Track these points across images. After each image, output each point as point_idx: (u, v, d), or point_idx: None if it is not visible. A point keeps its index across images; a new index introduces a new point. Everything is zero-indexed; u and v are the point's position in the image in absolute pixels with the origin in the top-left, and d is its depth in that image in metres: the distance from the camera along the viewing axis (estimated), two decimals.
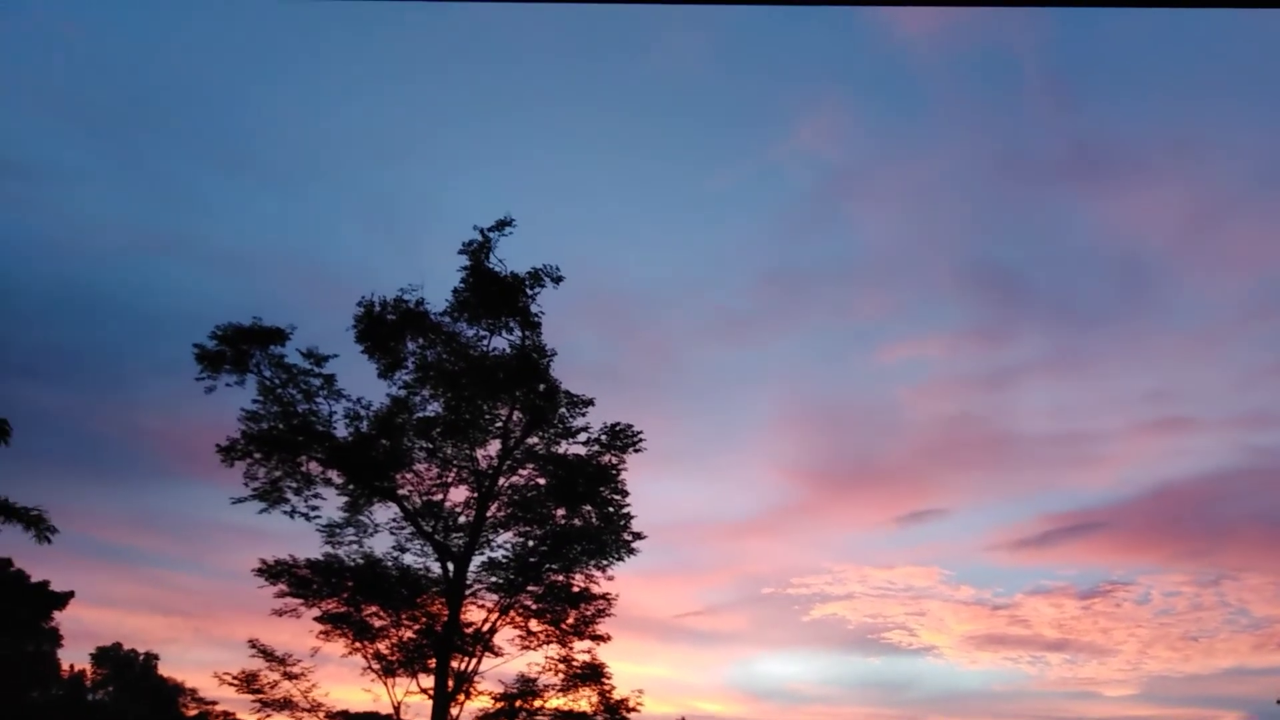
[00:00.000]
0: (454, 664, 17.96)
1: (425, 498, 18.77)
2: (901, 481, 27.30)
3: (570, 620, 19.03)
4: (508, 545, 19.10)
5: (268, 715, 17.75)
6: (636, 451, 19.17)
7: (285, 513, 17.99)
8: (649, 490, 20.79)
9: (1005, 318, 25.86)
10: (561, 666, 18.85)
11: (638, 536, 19.13)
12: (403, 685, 18.11)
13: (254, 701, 17.73)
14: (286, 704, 17.81)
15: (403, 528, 18.74)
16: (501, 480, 18.97)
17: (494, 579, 18.82)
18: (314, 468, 18.15)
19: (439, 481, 18.86)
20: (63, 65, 20.17)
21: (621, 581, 19.40)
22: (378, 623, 18.44)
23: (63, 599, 20.34)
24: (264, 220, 22.75)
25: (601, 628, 19.10)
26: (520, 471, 19.19)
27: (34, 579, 19.93)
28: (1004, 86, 23.47)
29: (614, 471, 19.05)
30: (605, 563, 19.07)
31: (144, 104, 20.87)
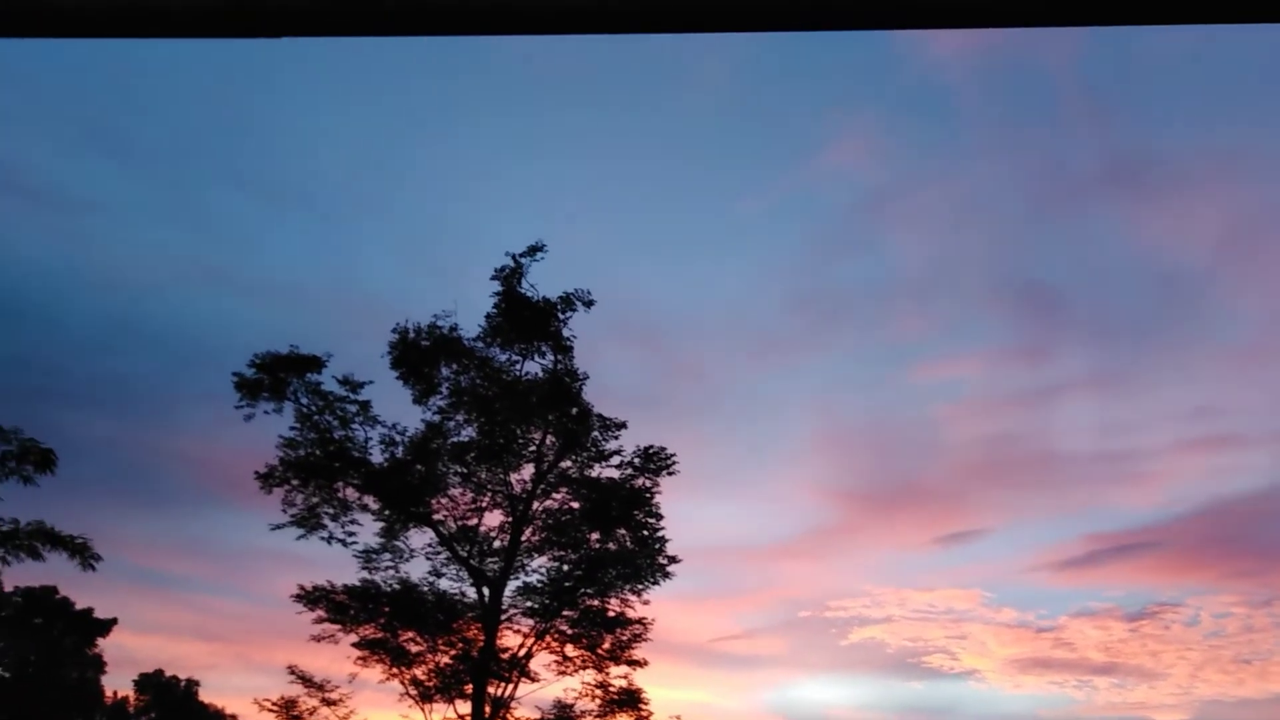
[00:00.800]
0: (491, 690, 17.89)
1: (460, 522, 18.81)
2: (941, 502, 26.83)
3: (606, 645, 18.89)
4: (542, 570, 19.06)
5: None
6: (670, 474, 19.08)
7: (323, 539, 18.14)
8: (683, 513, 20.65)
9: (1044, 335, 25.42)
10: (598, 692, 18.71)
11: (673, 560, 19.00)
12: (440, 711, 18.09)
13: None
14: None
15: (438, 553, 18.78)
16: (535, 504, 18.95)
17: (529, 604, 18.76)
18: (350, 493, 18.30)
19: (473, 506, 18.90)
20: (111, 104, 20.74)
21: (657, 606, 19.26)
22: (414, 648, 18.44)
23: (106, 626, 20.59)
24: (301, 250, 23.11)
25: (638, 652, 18.95)
26: (554, 495, 19.17)
27: (78, 606, 20.23)
28: (1038, 102, 23.21)
29: (648, 494, 18.95)
30: (640, 587, 18.93)
31: (186, 140, 21.37)
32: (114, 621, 20.50)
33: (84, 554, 17.06)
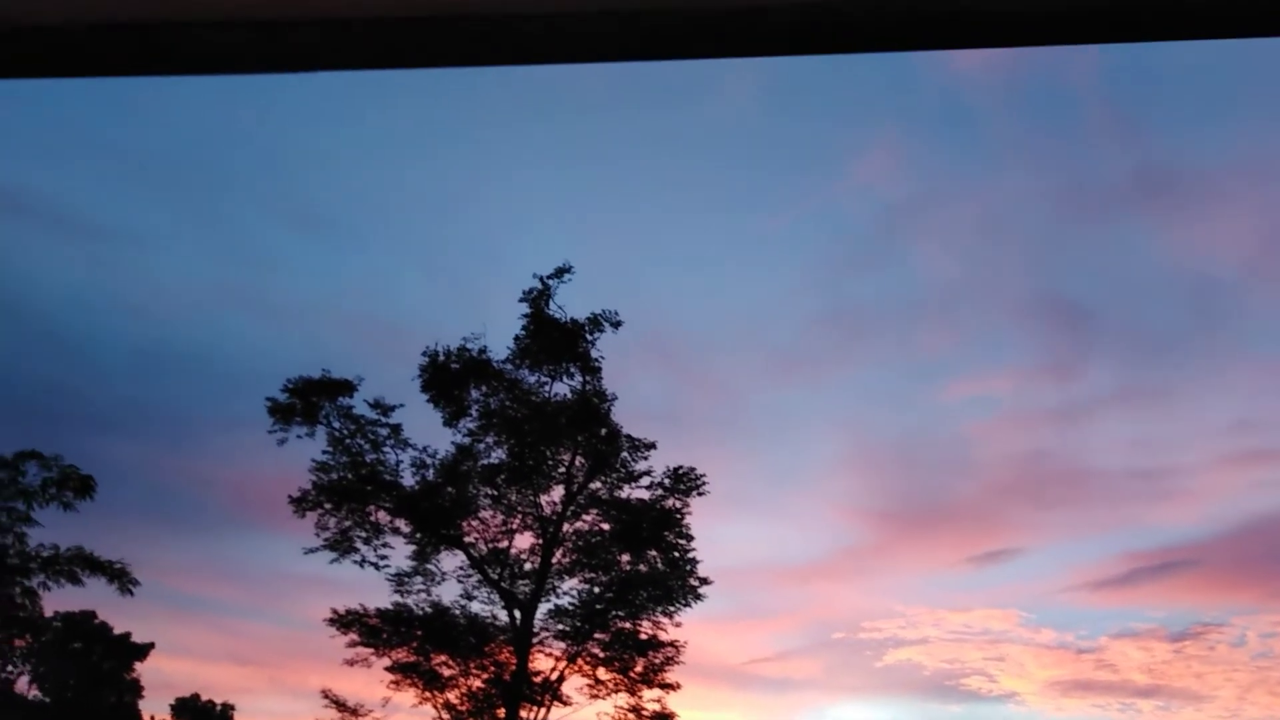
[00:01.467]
0: (523, 714, 17.85)
1: (491, 545, 18.85)
2: (973, 521, 26.48)
3: (639, 668, 18.79)
4: (574, 592, 19.04)
5: None
6: (700, 495, 19.03)
7: (355, 562, 18.26)
8: (714, 534, 20.51)
9: (1075, 351, 25.10)
10: (631, 716, 18.60)
11: (704, 582, 18.90)
12: None
13: None
14: None
15: (469, 575, 18.82)
16: (565, 526, 18.97)
17: (561, 626, 18.73)
18: (382, 517, 18.43)
19: (504, 528, 18.94)
20: (143, 134, 21.18)
21: (689, 628, 19.14)
22: (447, 672, 18.45)
23: (143, 650, 20.80)
24: (331, 275, 23.38)
25: (671, 675, 18.82)
26: (584, 517, 19.17)
27: (116, 631, 20.46)
28: (1063, 116, 23.02)
29: (678, 515, 18.91)
30: (672, 609, 18.85)
31: (215, 167, 21.75)
32: (151, 646, 20.72)
33: (122, 579, 17.28)
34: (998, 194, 23.99)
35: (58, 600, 17.89)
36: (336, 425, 17.98)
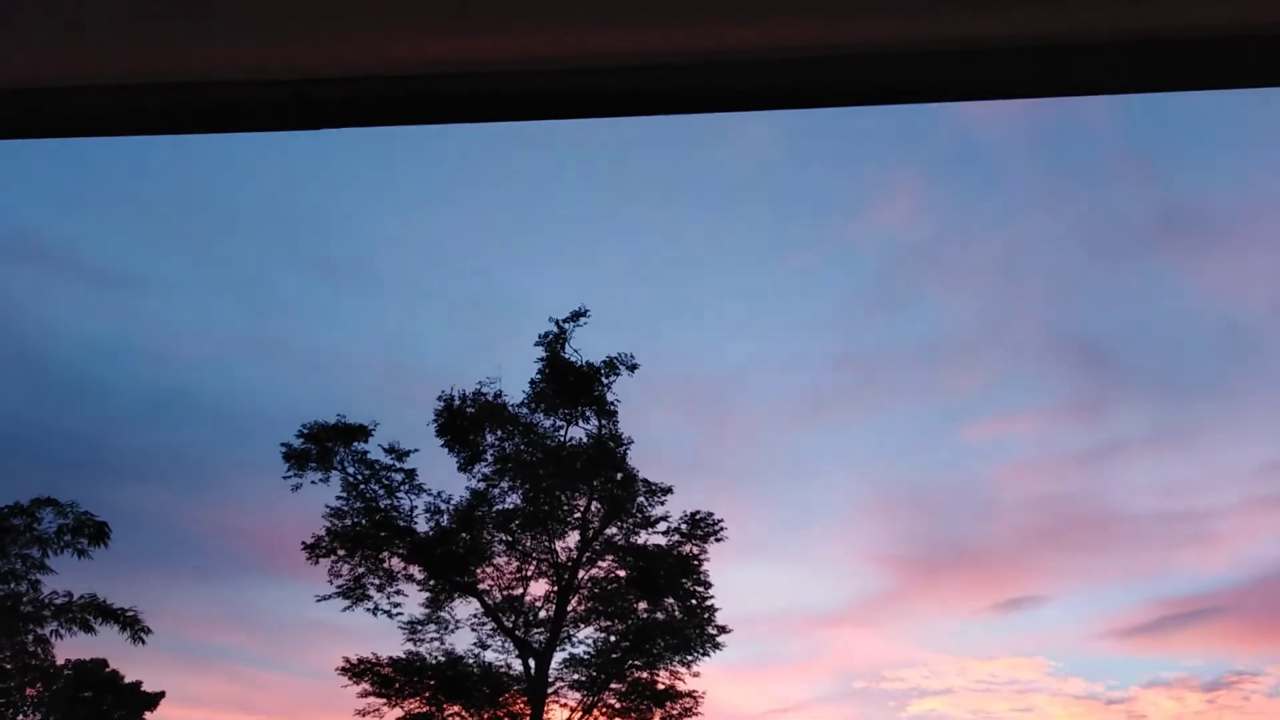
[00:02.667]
0: None
1: (505, 592, 18.60)
2: (997, 567, 25.96)
3: (656, 719, 18.39)
4: (589, 640, 18.71)
5: None
6: (718, 541, 18.75)
7: (368, 609, 18.04)
8: (732, 580, 20.18)
9: (1099, 392, 24.77)
10: None
11: (722, 630, 18.54)
12: None
13: None
14: None
15: (483, 623, 18.54)
16: (581, 573, 18.70)
17: (576, 676, 18.38)
18: (396, 563, 18.24)
19: (519, 575, 18.70)
20: (164, 186, 21.53)
21: (707, 677, 18.74)
22: None
23: (154, 699, 20.54)
24: (345, 321, 23.51)
25: None
26: (600, 563, 18.91)
27: (127, 679, 20.26)
28: (1082, 157, 22.98)
29: (695, 562, 18.62)
30: (690, 658, 18.48)
31: (234, 217, 22.05)
32: (162, 695, 20.46)
33: (134, 627, 17.13)
34: (1017, 235, 23.87)
35: (70, 648, 17.76)
36: (351, 471, 17.91)
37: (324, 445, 17.68)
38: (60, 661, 18.05)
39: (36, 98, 1.16)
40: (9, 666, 17.41)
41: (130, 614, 17.36)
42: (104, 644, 17.88)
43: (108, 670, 19.75)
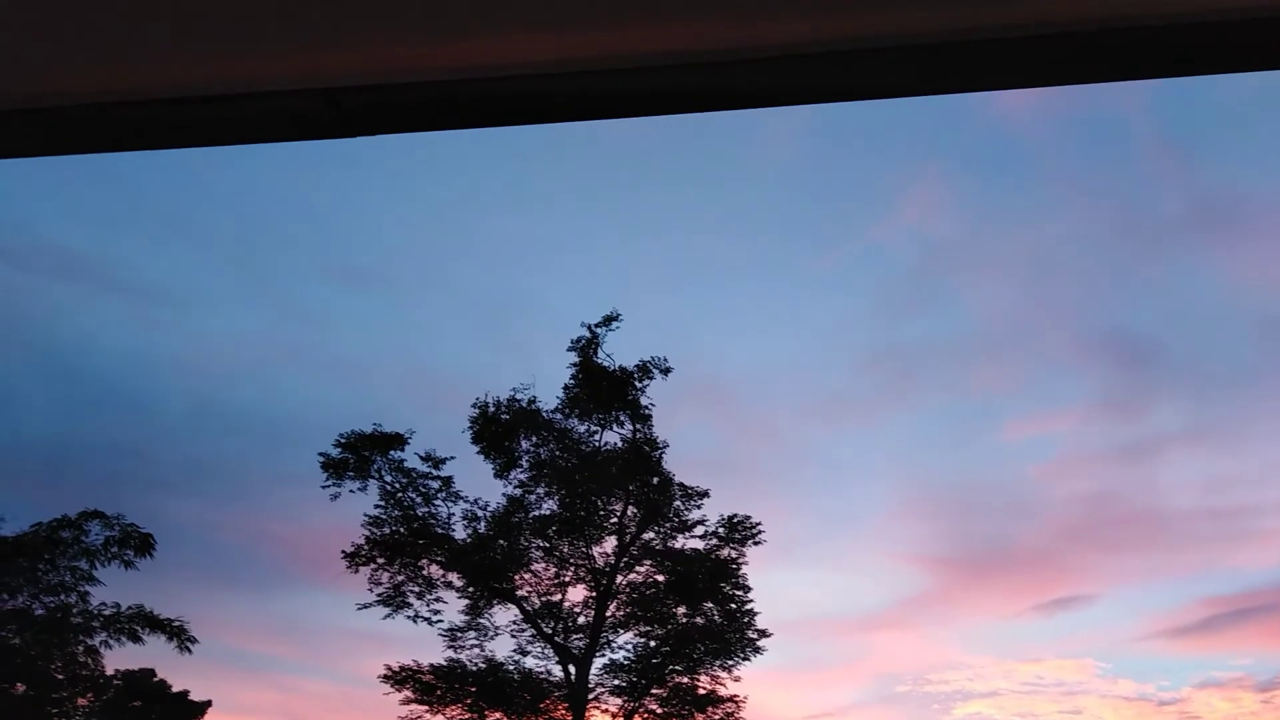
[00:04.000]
0: None
1: (544, 598, 18.63)
2: (1040, 567, 25.52)
3: None
4: (629, 646, 18.68)
5: None
6: (756, 544, 18.64)
7: (409, 617, 18.15)
8: (770, 584, 20.04)
9: (1140, 386, 24.30)
10: None
11: (763, 634, 18.43)
12: None
13: None
14: None
15: (523, 630, 18.59)
16: (619, 578, 18.68)
17: (617, 682, 18.36)
18: (435, 571, 18.34)
19: (557, 581, 18.72)
20: (196, 199, 21.88)
21: (748, 682, 18.62)
22: None
23: (201, 708, 20.83)
24: (380, 330, 23.72)
25: None
26: (638, 568, 18.88)
27: (174, 689, 20.57)
28: (1114, 148, 22.58)
29: (734, 566, 18.52)
30: (731, 662, 18.38)
31: (268, 230, 22.35)
32: (208, 704, 20.75)
33: (181, 637, 17.37)
34: (1050, 229, 23.51)
35: (118, 658, 18.04)
36: (388, 479, 18.04)
37: (361, 454, 17.83)
38: (110, 671, 18.35)
39: (72, 114, 1.17)
40: (60, 677, 17.73)
41: (177, 624, 17.60)
42: (151, 654, 18.15)
43: (155, 680, 20.06)
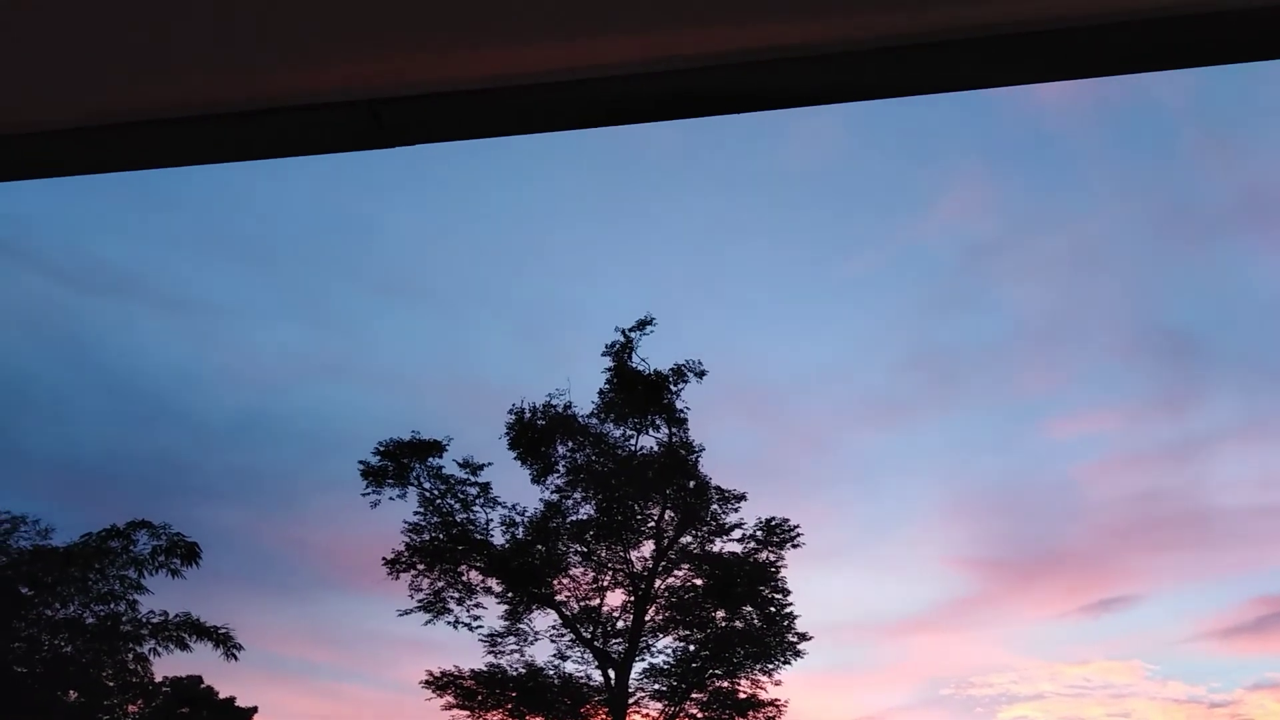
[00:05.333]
0: None
1: (582, 603, 18.64)
2: (1086, 567, 25.03)
3: None
4: (668, 650, 18.62)
5: None
6: (794, 547, 18.51)
7: (449, 623, 18.26)
8: (810, 587, 19.88)
9: (1188, 382, 23.75)
10: None
11: (803, 637, 18.27)
12: None
13: None
14: None
15: (562, 634, 18.61)
16: (657, 582, 18.64)
17: (657, 686, 18.31)
18: (474, 576, 18.44)
19: (595, 586, 18.73)
20: (245, 218, 22.31)
21: (789, 686, 18.47)
22: None
23: (247, 715, 21.11)
24: (418, 339, 23.97)
25: None
26: (676, 572, 18.83)
27: (221, 695, 20.88)
28: (1158, 140, 22.14)
29: (773, 569, 18.40)
30: (771, 666, 18.24)
31: (309, 244, 22.70)
32: (254, 710, 21.02)
33: (227, 644, 17.62)
34: (1092, 224, 23.10)
35: (166, 665, 18.35)
36: (427, 486, 18.19)
37: (400, 462, 17.99)
38: (158, 678, 18.65)
39: (119, 132, 1.19)
40: (111, 684, 18.05)
41: (223, 631, 17.85)
42: (198, 661, 18.43)
43: (203, 686, 20.38)
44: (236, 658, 17.85)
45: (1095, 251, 22.81)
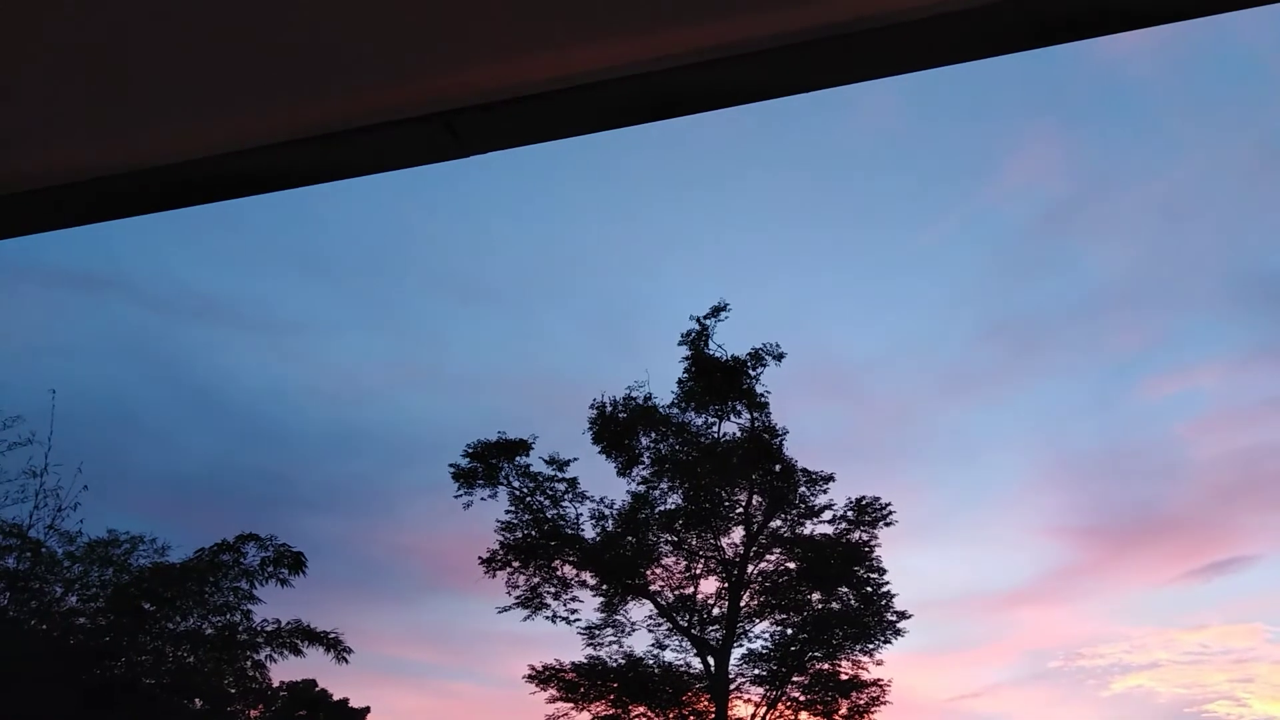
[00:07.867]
0: None
1: (677, 592, 18.74)
2: (1193, 529, 24.11)
3: (843, 710, 18.07)
4: (766, 635, 18.60)
5: None
6: (888, 525, 18.28)
7: (547, 618, 18.57)
8: (906, 565, 19.62)
9: None
10: None
11: (902, 616, 18.05)
12: None
13: None
14: None
15: (659, 624, 18.76)
16: (750, 567, 18.62)
17: (757, 671, 18.31)
18: (568, 571, 18.71)
19: (688, 574, 18.81)
20: (320, 236, 22.99)
21: (891, 665, 18.27)
22: None
23: (361, 715, 21.86)
24: (496, 342, 24.39)
25: (877, 716, 18.00)
26: (768, 557, 18.78)
27: (335, 697, 21.65)
28: (1242, 81, 21.12)
29: (866, 549, 18.21)
30: (871, 646, 18.07)
31: (384, 256, 23.27)
32: (367, 710, 21.76)
33: (337, 648, 18.24)
34: (1176, 173, 22.09)
35: (281, 671, 19.11)
36: (516, 484, 18.50)
37: (489, 462, 18.34)
38: (275, 684, 19.43)
39: (198, 167, 1.23)
40: (233, 691, 18.87)
41: (333, 636, 18.49)
42: (311, 665, 19.15)
43: (317, 689, 21.16)
44: (347, 660, 18.47)
45: (1181, 201, 21.87)
